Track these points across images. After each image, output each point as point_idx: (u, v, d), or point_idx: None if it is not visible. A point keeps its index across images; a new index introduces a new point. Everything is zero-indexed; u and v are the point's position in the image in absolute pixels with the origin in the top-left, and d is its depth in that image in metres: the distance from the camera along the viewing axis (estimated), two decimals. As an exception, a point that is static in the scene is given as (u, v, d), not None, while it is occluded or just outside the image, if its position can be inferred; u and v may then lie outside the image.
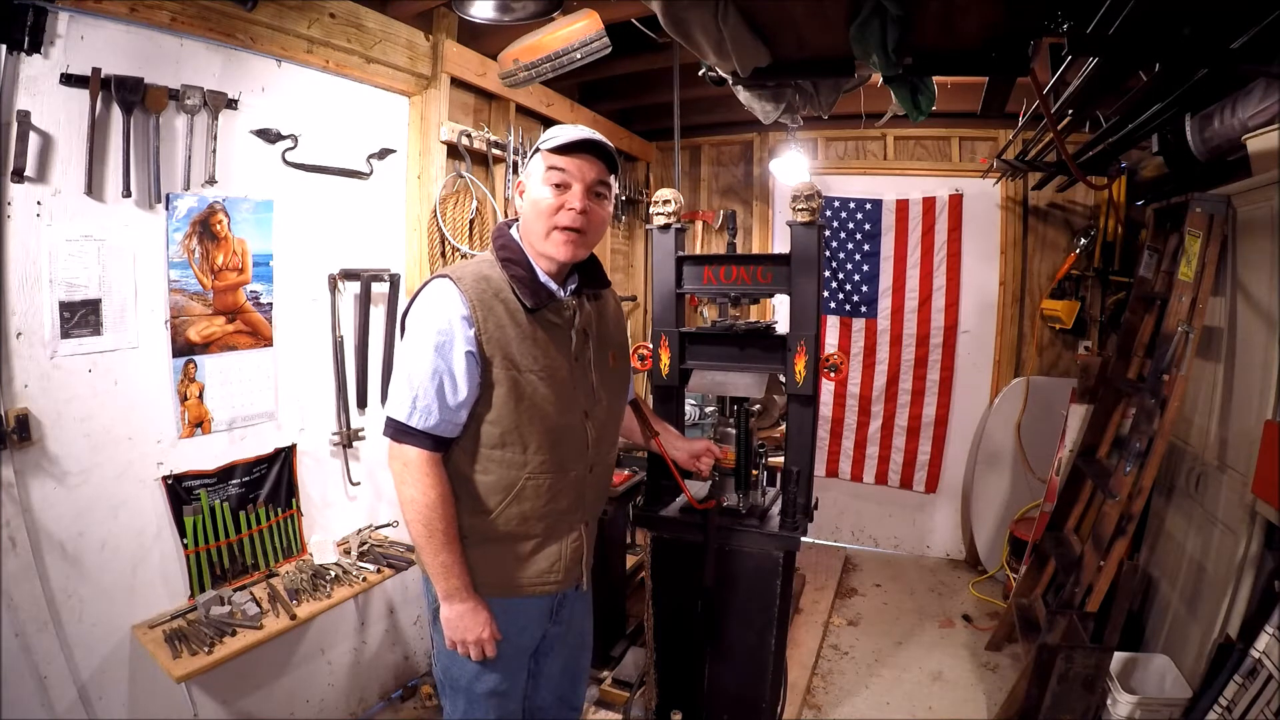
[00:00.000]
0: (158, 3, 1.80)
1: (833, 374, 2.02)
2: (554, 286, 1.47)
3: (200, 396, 2.05)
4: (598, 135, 1.43)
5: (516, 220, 1.53)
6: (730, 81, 2.14)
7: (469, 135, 2.73)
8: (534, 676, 1.65)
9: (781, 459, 2.14)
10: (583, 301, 1.53)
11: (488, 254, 1.49)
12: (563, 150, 1.41)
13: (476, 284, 1.39)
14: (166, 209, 1.93)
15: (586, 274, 1.56)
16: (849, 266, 4.15)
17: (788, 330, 2.01)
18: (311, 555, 2.31)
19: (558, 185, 1.41)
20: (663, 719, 2.18)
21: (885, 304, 4.12)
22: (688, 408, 3.09)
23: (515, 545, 1.46)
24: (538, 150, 1.45)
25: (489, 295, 1.39)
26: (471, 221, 2.81)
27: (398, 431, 1.38)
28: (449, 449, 1.42)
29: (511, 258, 1.45)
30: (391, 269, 2.57)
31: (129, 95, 1.78)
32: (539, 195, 1.42)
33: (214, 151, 2.00)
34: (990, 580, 3.83)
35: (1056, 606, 2.38)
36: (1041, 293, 3.89)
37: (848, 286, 4.17)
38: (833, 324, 4.22)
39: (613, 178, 1.48)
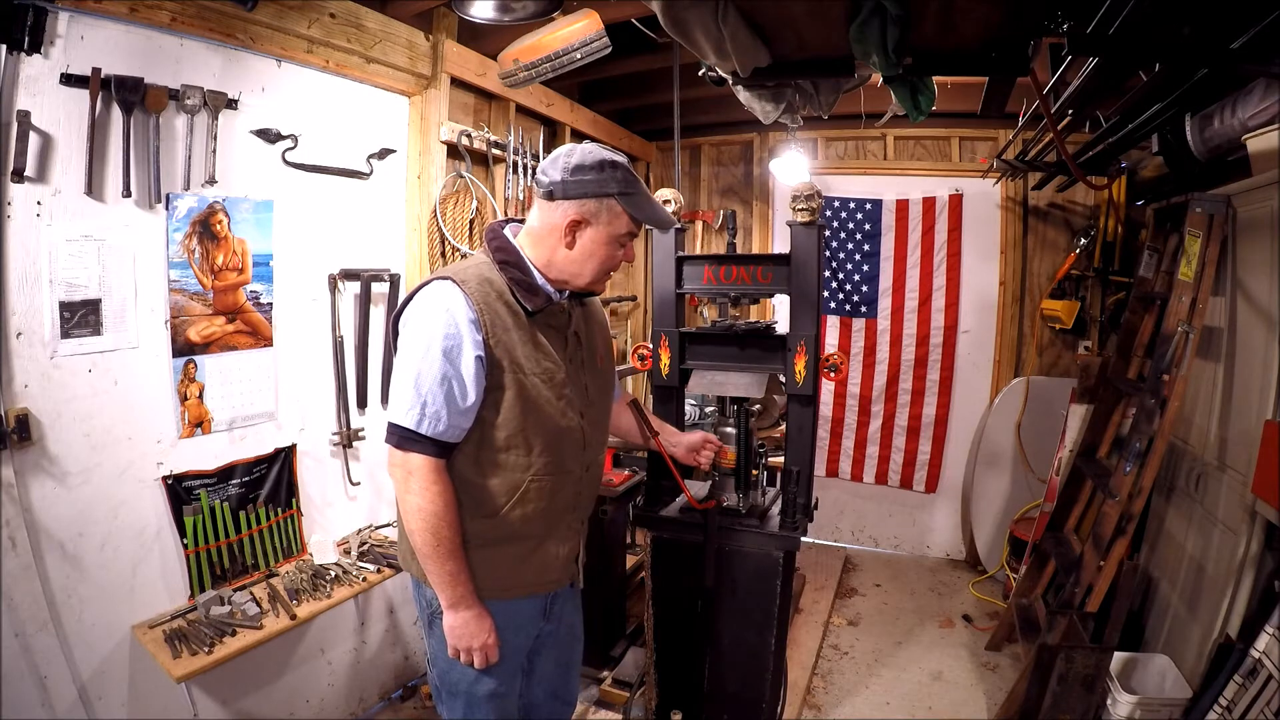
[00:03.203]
0: (158, 3, 1.80)
1: (833, 374, 2.02)
2: (551, 290, 1.48)
3: (200, 396, 2.05)
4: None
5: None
6: (730, 81, 2.14)
7: (469, 135, 2.73)
8: (527, 674, 1.66)
9: (781, 459, 2.14)
10: (573, 305, 1.55)
11: (481, 255, 1.48)
12: (643, 221, 1.47)
13: (480, 287, 1.38)
14: (166, 209, 1.93)
15: None
16: (849, 266, 4.14)
17: (788, 330, 2.01)
18: (311, 555, 2.32)
19: (623, 245, 1.47)
20: (663, 719, 2.18)
21: (885, 304, 4.12)
22: (688, 408, 3.09)
23: (518, 546, 1.47)
24: (615, 197, 1.41)
25: (493, 298, 1.39)
26: (471, 221, 2.81)
27: (402, 439, 1.34)
28: (451, 455, 1.40)
29: (508, 260, 1.44)
30: (391, 269, 2.57)
31: (129, 95, 1.78)
32: (607, 253, 1.45)
33: (214, 151, 2.00)
34: (990, 580, 3.83)
35: (1056, 606, 2.38)
36: (1041, 293, 3.88)
37: (848, 286, 4.17)
38: (833, 324, 4.22)
39: None
